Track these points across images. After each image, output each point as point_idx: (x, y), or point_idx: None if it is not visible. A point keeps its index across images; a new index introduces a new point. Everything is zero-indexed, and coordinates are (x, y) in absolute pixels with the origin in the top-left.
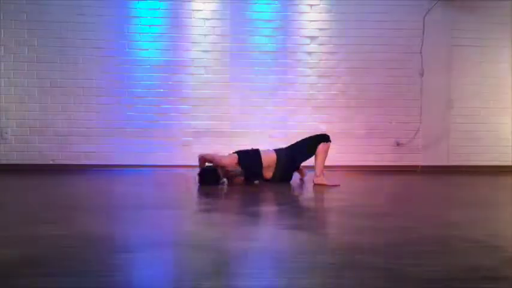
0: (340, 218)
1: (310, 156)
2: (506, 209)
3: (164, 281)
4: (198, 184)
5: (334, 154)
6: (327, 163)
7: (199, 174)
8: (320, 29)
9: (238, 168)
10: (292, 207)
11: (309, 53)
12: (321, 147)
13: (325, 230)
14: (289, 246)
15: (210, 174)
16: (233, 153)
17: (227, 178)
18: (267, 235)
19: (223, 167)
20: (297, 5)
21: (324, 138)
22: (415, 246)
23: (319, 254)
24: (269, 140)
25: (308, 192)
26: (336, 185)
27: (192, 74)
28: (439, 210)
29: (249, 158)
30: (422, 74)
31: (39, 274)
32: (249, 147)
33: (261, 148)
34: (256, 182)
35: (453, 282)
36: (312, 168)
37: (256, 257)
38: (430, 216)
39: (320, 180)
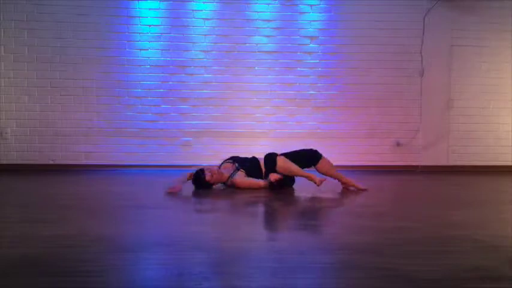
0: (340, 218)
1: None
2: (506, 209)
3: (164, 280)
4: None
5: (335, 154)
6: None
7: (194, 177)
8: (320, 29)
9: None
10: (291, 207)
11: (309, 53)
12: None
13: (326, 230)
14: (289, 246)
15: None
16: (229, 160)
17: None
18: (266, 235)
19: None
20: (297, 5)
21: (313, 160)
22: (415, 246)
23: (319, 254)
24: (269, 140)
25: (307, 192)
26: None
27: (192, 74)
28: (439, 210)
29: (249, 165)
30: (422, 74)
31: (39, 274)
32: (247, 155)
33: (257, 156)
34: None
35: (453, 282)
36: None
37: (256, 257)
38: (430, 216)
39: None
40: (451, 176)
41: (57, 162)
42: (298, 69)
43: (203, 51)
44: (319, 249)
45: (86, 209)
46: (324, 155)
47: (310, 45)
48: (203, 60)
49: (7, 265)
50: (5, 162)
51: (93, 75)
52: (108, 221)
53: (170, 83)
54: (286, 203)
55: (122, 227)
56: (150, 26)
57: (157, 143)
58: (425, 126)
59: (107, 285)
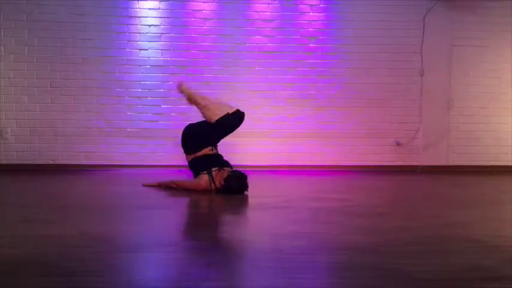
0: (340, 218)
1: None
2: (506, 209)
3: (164, 281)
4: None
5: (335, 154)
6: (327, 163)
7: (243, 184)
8: (320, 29)
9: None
10: (290, 207)
11: (309, 53)
12: None
13: (325, 230)
14: (289, 246)
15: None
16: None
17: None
18: (266, 235)
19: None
20: (297, 5)
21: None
22: (415, 246)
23: (319, 254)
24: (269, 140)
25: (306, 192)
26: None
27: (192, 74)
28: (439, 210)
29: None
30: (422, 74)
31: (39, 274)
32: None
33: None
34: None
35: (453, 282)
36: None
37: (256, 257)
38: (430, 216)
39: None
40: (451, 176)
41: (57, 162)
42: (298, 69)
43: (203, 51)
44: (319, 249)
45: (86, 209)
46: (324, 154)
47: (310, 45)
48: (203, 60)
49: (7, 265)
50: (5, 162)
51: (93, 75)
52: (108, 221)
53: (170, 83)
54: (284, 203)
55: (122, 227)
56: (150, 26)
57: (157, 143)
58: (425, 126)
59: (107, 285)
